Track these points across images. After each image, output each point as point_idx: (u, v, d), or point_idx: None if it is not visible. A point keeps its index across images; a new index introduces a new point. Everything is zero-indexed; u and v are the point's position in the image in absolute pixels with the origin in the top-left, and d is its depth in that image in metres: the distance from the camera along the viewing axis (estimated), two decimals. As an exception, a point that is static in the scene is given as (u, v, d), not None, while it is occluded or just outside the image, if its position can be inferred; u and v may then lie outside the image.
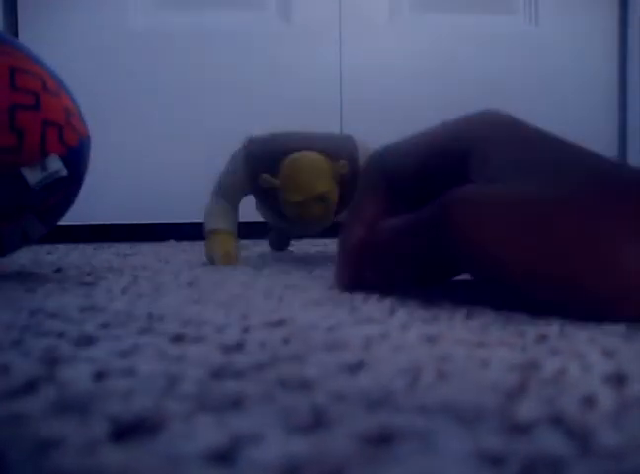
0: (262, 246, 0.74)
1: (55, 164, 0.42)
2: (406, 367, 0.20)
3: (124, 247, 0.78)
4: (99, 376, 0.19)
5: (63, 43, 0.94)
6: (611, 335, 0.24)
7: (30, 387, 0.18)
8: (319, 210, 0.51)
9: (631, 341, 0.23)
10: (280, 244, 0.70)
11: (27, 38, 0.93)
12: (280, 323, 0.27)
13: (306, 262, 0.56)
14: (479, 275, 0.27)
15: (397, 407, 0.16)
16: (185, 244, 0.80)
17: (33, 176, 0.41)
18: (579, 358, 0.21)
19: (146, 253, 0.69)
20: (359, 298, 0.34)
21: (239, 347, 0.23)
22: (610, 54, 1.00)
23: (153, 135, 0.95)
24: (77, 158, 0.45)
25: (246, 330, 0.26)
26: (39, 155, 0.42)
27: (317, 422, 0.15)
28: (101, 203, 0.91)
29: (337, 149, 0.52)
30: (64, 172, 0.43)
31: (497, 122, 0.30)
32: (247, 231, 0.70)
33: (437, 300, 0.33)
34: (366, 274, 0.32)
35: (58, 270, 0.52)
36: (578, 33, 0.99)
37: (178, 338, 0.24)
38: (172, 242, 0.85)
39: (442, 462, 0.13)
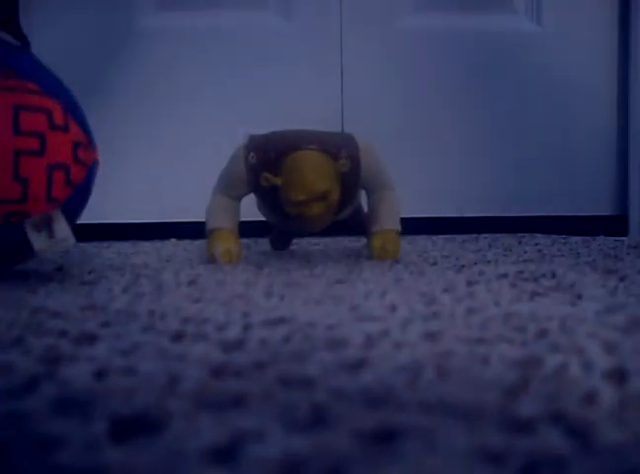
0: (263, 245, 0.74)
1: (63, 232, 0.40)
2: (406, 365, 0.20)
3: (126, 246, 0.78)
4: (100, 375, 0.19)
5: (69, 44, 0.94)
6: (612, 329, 0.24)
7: (31, 385, 0.18)
8: (320, 209, 0.51)
9: (631, 334, 0.23)
10: (281, 243, 0.70)
11: (31, 38, 0.93)
12: (281, 321, 0.27)
13: (307, 260, 0.56)
14: None
15: (398, 404, 0.16)
16: (186, 243, 0.80)
17: (39, 242, 0.39)
18: (579, 354, 0.21)
19: (147, 252, 0.69)
20: (359, 296, 0.34)
21: (240, 345, 0.23)
22: (612, 53, 0.99)
23: (155, 134, 0.95)
24: (83, 189, 0.45)
25: (247, 328, 0.26)
26: (44, 202, 0.40)
27: (318, 419, 0.15)
28: (102, 203, 0.91)
29: (338, 148, 0.52)
30: (72, 240, 0.42)
31: None
32: (248, 230, 0.70)
33: (437, 296, 0.33)
34: None
35: (59, 269, 0.52)
36: (580, 31, 0.99)
37: (179, 336, 0.24)
38: (173, 241, 0.85)
39: (444, 460, 0.13)
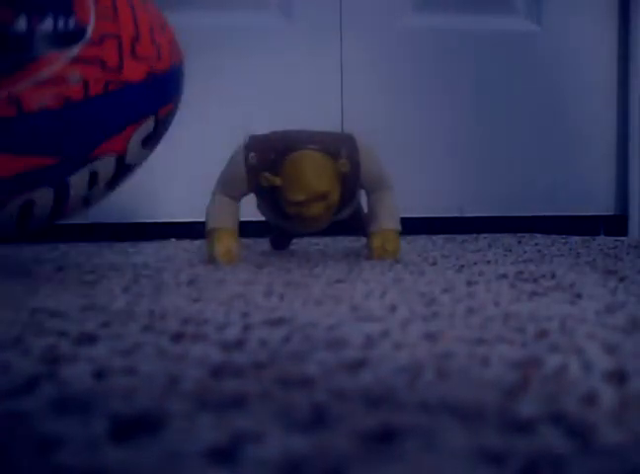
0: (263, 245, 0.74)
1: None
2: (406, 365, 0.20)
3: (125, 246, 0.78)
4: (99, 375, 0.19)
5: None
6: (612, 329, 0.24)
7: (30, 386, 0.18)
8: (320, 209, 0.51)
9: (631, 335, 0.23)
10: (281, 243, 0.70)
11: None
12: (281, 321, 0.27)
13: (307, 260, 0.56)
14: None
15: (398, 405, 0.16)
16: (186, 243, 0.80)
17: None
18: (579, 354, 0.21)
19: (147, 252, 0.69)
20: (359, 296, 0.34)
21: (239, 345, 0.23)
22: (612, 54, 0.99)
23: (154, 134, 0.95)
24: (183, 73, 0.52)
25: (246, 328, 0.26)
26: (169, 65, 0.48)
27: (317, 420, 0.15)
28: (102, 202, 0.91)
29: (338, 148, 0.52)
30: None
31: None
32: (248, 230, 0.70)
33: (437, 296, 0.33)
34: None
35: (59, 268, 0.52)
36: (580, 32, 0.99)
37: (178, 336, 0.24)
38: (173, 241, 0.85)
39: (443, 460, 0.13)
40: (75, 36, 0.43)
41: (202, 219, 0.56)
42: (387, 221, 0.54)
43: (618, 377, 0.18)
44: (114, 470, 0.12)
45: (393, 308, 0.30)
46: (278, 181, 0.51)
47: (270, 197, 0.54)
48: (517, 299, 0.32)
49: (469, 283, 0.38)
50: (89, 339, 0.24)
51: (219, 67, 0.96)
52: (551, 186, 0.98)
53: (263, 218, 0.62)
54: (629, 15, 0.98)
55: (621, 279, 0.40)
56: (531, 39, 0.99)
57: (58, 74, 0.42)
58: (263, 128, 0.56)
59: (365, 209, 0.58)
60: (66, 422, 0.15)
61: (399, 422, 0.15)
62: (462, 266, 0.49)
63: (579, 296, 0.33)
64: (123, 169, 0.48)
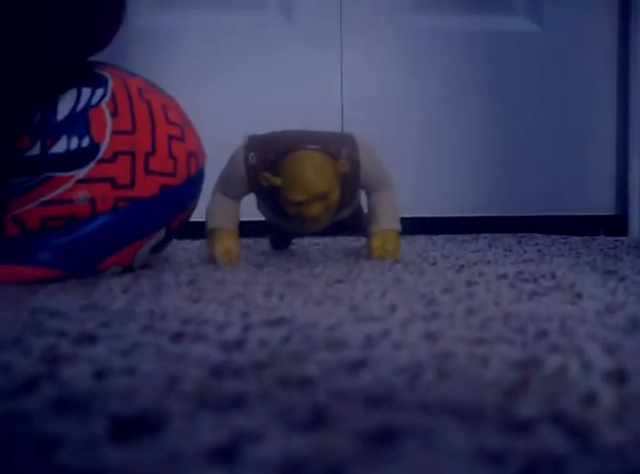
0: (263, 245, 0.74)
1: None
2: (406, 365, 0.20)
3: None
4: (99, 375, 0.19)
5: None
6: (611, 329, 0.24)
7: (31, 386, 0.18)
8: (320, 209, 0.51)
9: (631, 335, 0.23)
10: (281, 243, 0.70)
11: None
12: (281, 321, 0.27)
13: (307, 260, 0.56)
14: None
15: (398, 405, 0.16)
16: (185, 242, 0.80)
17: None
18: (579, 355, 0.21)
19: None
20: (359, 296, 0.34)
21: (239, 345, 0.23)
22: (612, 53, 0.99)
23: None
24: (202, 176, 0.51)
25: (246, 328, 0.26)
26: (186, 177, 0.47)
27: (317, 419, 0.15)
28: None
29: (338, 148, 0.52)
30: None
31: None
32: (248, 230, 0.70)
33: (437, 296, 0.33)
34: None
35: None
36: (580, 32, 0.99)
37: (178, 336, 0.24)
38: (173, 241, 0.85)
39: (444, 460, 0.13)
40: (87, 155, 0.41)
41: (202, 219, 0.56)
42: (387, 221, 0.54)
43: (618, 377, 0.18)
44: (114, 470, 0.12)
45: (393, 308, 0.30)
46: (278, 181, 0.51)
47: (270, 197, 0.54)
48: (517, 299, 0.32)
49: (469, 283, 0.38)
50: (89, 339, 0.24)
51: (219, 67, 0.96)
52: (551, 186, 0.98)
53: (263, 218, 0.62)
54: (629, 15, 0.98)
55: (621, 279, 0.40)
56: (531, 39, 0.99)
57: (64, 195, 0.41)
58: (263, 128, 0.56)
59: (365, 209, 0.58)
60: (66, 422, 0.15)
61: (399, 422, 0.15)
62: (462, 266, 0.49)
63: (579, 296, 0.33)
64: (129, 271, 0.48)
